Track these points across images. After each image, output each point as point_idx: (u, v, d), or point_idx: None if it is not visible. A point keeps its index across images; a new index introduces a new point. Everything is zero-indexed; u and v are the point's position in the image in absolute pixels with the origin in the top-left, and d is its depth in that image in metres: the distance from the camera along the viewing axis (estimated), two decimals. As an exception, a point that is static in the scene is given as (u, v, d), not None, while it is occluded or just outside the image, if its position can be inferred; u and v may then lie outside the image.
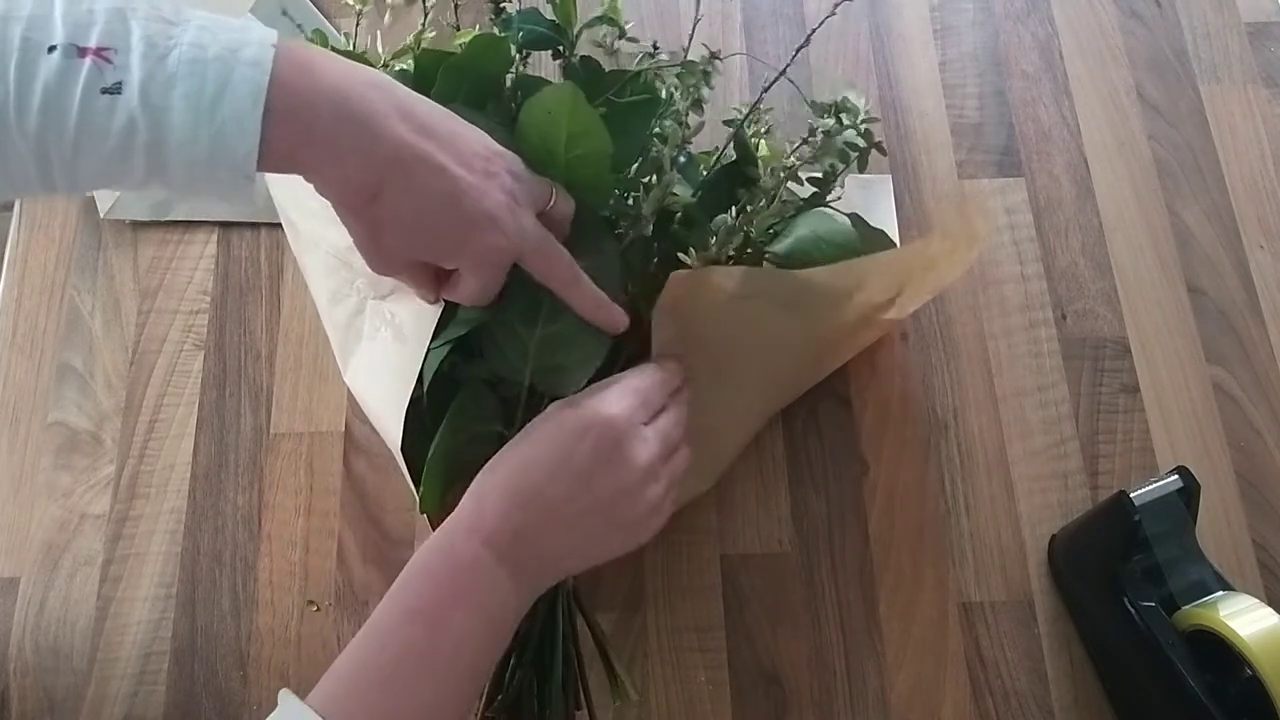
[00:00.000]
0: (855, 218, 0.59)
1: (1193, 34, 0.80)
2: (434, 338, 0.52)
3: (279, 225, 0.72)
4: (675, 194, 0.54)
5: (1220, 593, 0.57)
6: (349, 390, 0.66)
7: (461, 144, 0.46)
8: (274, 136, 0.41)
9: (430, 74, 0.53)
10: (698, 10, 0.59)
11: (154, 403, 0.67)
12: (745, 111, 0.57)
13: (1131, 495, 0.57)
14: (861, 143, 0.56)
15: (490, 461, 0.49)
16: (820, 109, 0.56)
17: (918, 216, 0.73)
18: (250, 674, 0.61)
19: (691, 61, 0.55)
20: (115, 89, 0.39)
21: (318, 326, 0.69)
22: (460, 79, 0.54)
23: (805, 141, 0.55)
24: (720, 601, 0.63)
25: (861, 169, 0.57)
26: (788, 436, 0.67)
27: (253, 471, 0.66)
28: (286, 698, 0.43)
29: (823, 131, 0.54)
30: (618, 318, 0.52)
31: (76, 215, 0.72)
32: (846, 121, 0.54)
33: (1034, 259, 0.73)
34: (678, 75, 0.56)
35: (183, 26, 0.40)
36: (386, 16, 0.64)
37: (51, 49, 0.38)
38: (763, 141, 0.61)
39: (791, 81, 0.56)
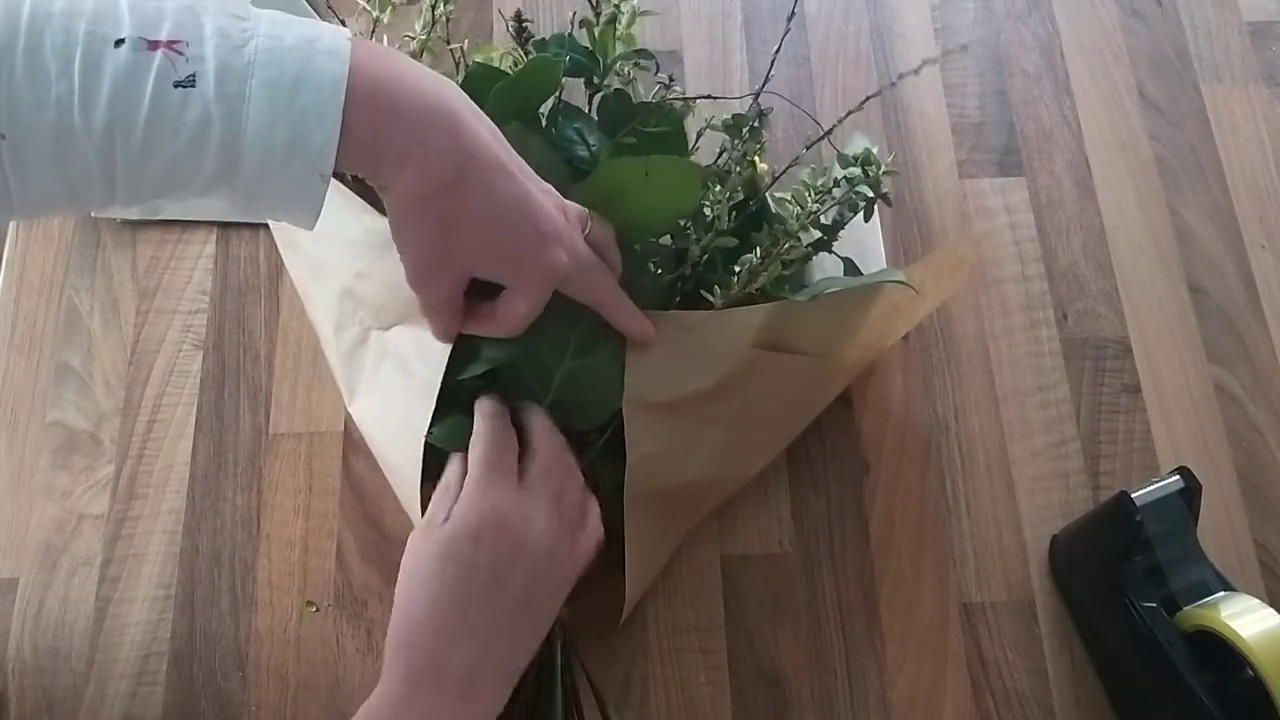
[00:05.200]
0: (849, 263, 0.61)
1: (1194, 33, 0.80)
2: (454, 372, 0.52)
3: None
4: (724, 239, 0.55)
5: (1222, 593, 0.57)
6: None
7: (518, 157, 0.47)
8: (356, 123, 0.39)
9: (482, 90, 0.53)
10: (771, 68, 0.58)
11: (153, 403, 0.67)
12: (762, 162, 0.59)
13: (1133, 495, 0.57)
14: (870, 193, 0.57)
15: None
16: (845, 160, 0.57)
17: (918, 216, 0.73)
18: (249, 675, 0.61)
19: (741, 115, 0.56)
20: (189, 82, 0.37)
21: (317, 326, 0.69)
22: (513, 98, 0.54)
23: (828, 193, 0.56)
24: (720, 601, 0.63)
25: (867, 219, 0.58)
26: (788, 436, 0.67)
27: (252, 472, 0.65)
28: None
29: (845, 179, 0.56)
30: (649, 329, 0.52)
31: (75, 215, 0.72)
32: (871, 174, 0.56)
33: (1035, 259, 0.73)
34: (725, 126, 0.56)
35: (254, 20, 0.39)
36: (388, 13, 0.64)
37: (119, 42, 0.36)
38: (757, 160, 0.61)
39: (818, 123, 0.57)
